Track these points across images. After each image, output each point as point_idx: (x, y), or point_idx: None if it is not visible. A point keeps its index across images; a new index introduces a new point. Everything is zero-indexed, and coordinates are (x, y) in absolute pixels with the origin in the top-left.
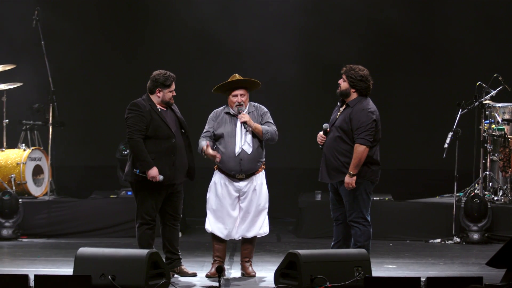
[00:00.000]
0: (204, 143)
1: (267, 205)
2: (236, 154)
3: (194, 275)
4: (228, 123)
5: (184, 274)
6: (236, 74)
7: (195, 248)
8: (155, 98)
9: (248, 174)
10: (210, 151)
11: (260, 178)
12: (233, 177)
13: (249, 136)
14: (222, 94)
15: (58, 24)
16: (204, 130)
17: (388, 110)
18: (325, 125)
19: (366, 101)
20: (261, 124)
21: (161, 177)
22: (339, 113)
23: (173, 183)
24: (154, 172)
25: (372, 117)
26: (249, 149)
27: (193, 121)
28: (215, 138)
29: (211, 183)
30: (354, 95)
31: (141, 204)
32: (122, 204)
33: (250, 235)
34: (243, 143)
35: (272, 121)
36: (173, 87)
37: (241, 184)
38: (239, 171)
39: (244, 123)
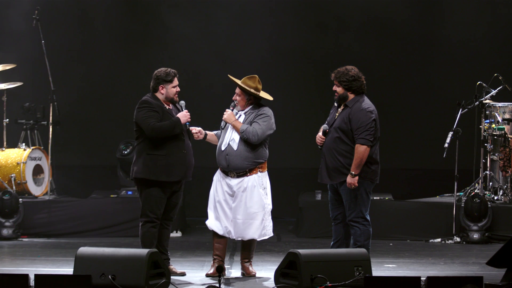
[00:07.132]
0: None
1: (260, 210)
2: (223, 149)
3: (183, 274)
4: None
5: (173, 273)
6: (246, 78)
7: (195, 248)
8: (160, 96)
9: (239, 173)
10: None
11: (253, 181)
12: (226, 174)
13: (236, 133)
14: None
15: (58, 24)
16: None
17: (388, 110)
18: (324, 126)
19: (364, 100)
20: (252, 123)
21: (182, 102)
22: (337, 114)
23: (184, 179)
24: (181, 117)
25: (371, 116)
26: (234, 145)
27: (198, 118)
28: None
29: (213, 180)
30: (351, 96)
31: (146, 202)
32: (122, 204)
33: (246, 237)
34: (230, 138)
35: (261, 122)
36: (175, 82)
37: (232, 182)
38: (226, 166)
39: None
